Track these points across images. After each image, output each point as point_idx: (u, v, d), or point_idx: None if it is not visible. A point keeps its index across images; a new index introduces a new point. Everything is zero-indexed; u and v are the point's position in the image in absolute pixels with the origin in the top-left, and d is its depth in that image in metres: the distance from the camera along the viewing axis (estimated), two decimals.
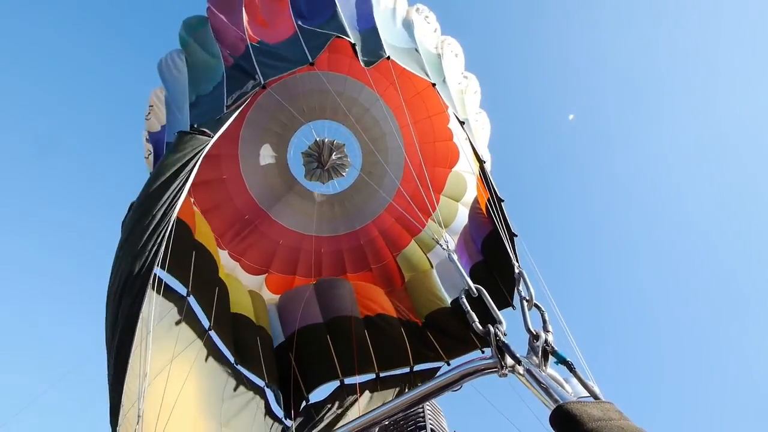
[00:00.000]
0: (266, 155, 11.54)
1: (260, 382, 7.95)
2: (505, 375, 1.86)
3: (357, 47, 7.33)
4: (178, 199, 5.06)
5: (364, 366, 8.66)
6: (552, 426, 1.43)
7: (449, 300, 9.47)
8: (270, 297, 10.52)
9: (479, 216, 9.37)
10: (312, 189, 12.13)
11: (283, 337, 9.26)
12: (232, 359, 7.58)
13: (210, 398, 6.73)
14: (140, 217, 4.84)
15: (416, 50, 8.23)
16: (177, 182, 5.14)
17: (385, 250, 11.18)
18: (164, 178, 5.14)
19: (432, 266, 10.58)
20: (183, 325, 6.68)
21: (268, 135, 11.26)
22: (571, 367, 1.81)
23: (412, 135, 9.91)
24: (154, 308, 5.37)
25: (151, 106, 9.04)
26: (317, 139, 11.91)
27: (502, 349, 1.85)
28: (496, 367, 1.86)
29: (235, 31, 8.05)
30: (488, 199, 8.47)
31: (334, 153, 11.93)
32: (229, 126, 6.31)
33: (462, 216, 10.42)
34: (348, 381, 8.65)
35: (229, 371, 7.36)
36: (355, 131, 11.43)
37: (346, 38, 7.30)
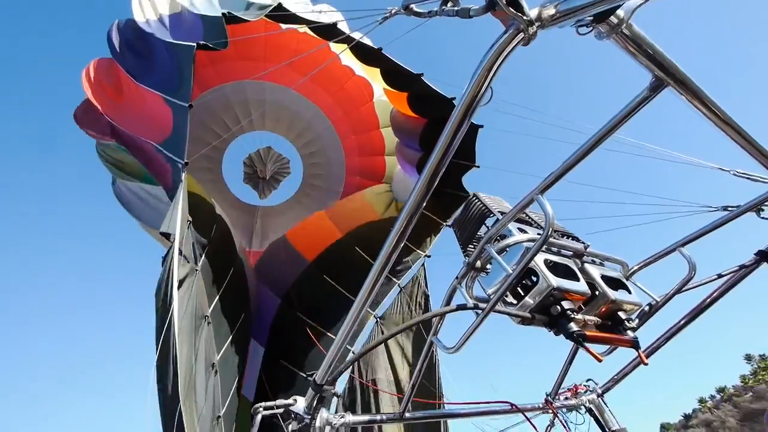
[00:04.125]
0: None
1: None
2: (533, 36, 1.40)
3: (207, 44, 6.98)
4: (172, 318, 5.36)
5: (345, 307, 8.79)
6: None
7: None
8: None
9: (404, 120, 9.29)
10: (276, 202, 11.92)
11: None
12: None
13: None
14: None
15: (247, 6, 7.81)
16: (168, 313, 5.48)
17: None
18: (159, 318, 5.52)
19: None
20: None
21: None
22: None
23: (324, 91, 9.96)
24: None
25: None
26: (244, 161, 11.67)
27: (516, 2, 1.35)
28: (520, 32, 1.38)
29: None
30: (408, 96, 8.52)
31: (267, 160, 11.66)
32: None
33: None
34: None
35: None
36: (274, 130, 11.17)
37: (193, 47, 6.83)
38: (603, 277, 2.32)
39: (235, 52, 9.28)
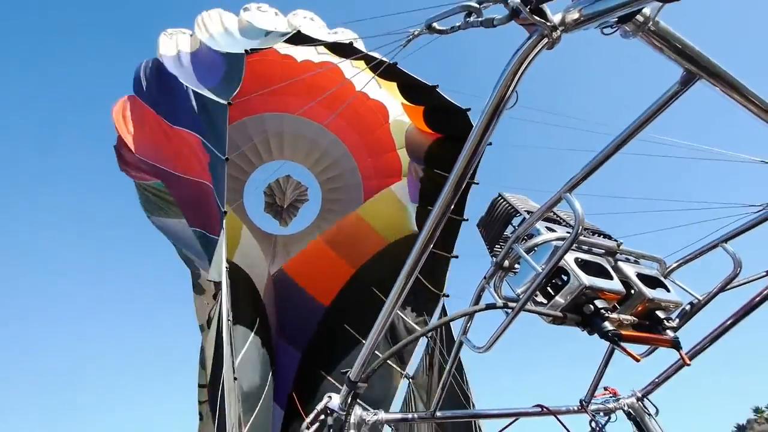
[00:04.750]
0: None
1: None
2: (557, 40, 1.41)
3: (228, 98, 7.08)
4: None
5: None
6: None
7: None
8: None
9: (417, 138, 9.19)
10: (295, 230, 12.00)
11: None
12: None
13: None
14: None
15: (266, 34, 8.17)
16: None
17: None
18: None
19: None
20: None
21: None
22: None
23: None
24: None
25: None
26: (264, 190, 11.95)
27: (539, 8, 1.36)
28: (544, 37, 1.39)
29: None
30: (423, 110, 8.50)
31: (286, 189, 11.92)
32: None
33: None
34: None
35: None
36: (293, 158, 11.47)
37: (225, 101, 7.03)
38: (638, 275, 2.27)
39: (254, 87, 9.74)
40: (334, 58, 8.82)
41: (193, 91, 7.59)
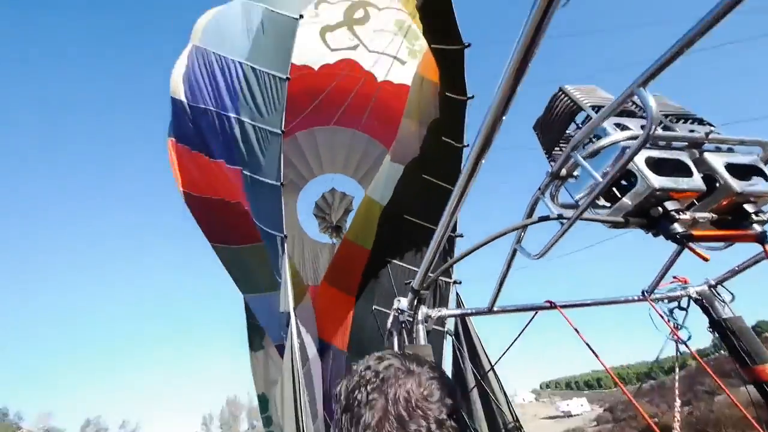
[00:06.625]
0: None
1: None
2: None
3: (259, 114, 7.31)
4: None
5: None
6: None
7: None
8: None
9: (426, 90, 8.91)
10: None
11: None
12: None
13: None
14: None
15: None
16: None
17: None
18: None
19: None
20: None
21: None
22: None
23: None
24: None
25: None
26: (313, 212, 12.18)
27: None
28: None
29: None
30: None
31: (334, 203, 12.03)
32: None
33: None
34: None
35: None
36: (333, 170, 11.74)
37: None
38: (728, 166, 1.93)
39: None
40: (348, 52, 8.72)
41: (236, 119, 7.70)
